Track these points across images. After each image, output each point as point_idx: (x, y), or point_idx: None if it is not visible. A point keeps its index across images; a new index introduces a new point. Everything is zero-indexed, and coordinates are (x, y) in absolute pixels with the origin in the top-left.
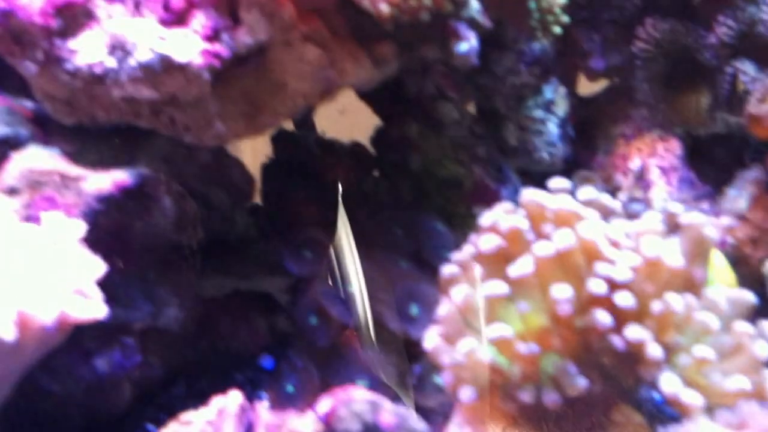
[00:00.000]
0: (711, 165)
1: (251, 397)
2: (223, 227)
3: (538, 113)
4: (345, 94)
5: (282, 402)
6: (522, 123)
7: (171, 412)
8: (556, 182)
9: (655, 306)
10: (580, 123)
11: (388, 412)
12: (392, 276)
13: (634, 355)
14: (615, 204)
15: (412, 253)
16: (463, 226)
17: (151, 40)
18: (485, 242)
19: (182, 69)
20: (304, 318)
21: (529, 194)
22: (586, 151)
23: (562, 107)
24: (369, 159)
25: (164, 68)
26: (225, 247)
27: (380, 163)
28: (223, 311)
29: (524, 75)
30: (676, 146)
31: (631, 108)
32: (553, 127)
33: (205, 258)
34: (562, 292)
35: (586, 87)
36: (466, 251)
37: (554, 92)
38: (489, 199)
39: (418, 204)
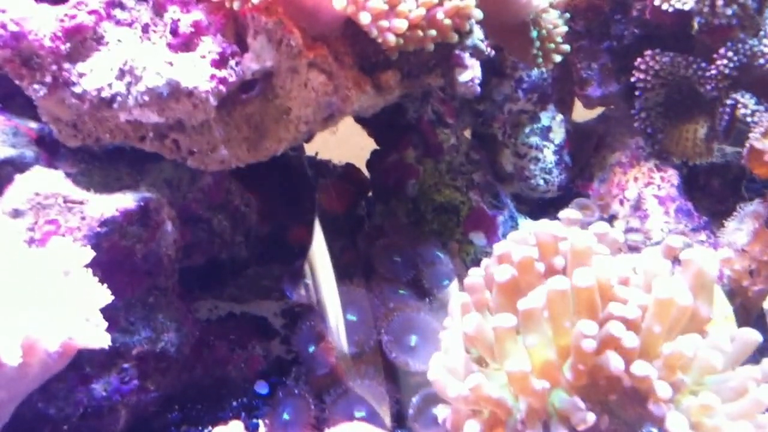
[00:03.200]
0: (707, 195)
1: (246, 423)
2: (222, 252)
3: (535, 140)
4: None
5: (278, 429)
6: (519, 149)
7: None
8: (567, 213)
9: (664, 346)
10: (576, 150)
11: None
12: (391, 305)
13: (639, 392)
14: (621, 238)
15: (411, 281)
16: (460, 251)
17: (160, 65)
18: (499, 273)
19: (189, 94)
20: (303, 345)
21: (544, 226)
22: (582, 179)
23: (558, 134)
24: (363, 181)
25: (172, 93)
26: (220, 270)
27: (376, 187)
28: (219, 335)
29: (522, 102)
30: (673, 176)
31: (628, 137)
32: (549, 154)
33: (200, 281)
34: (588, 327)
35: (583, 114)
36: (474, 279)
37: (551, 119)
38: (485, 225)
39: (414, 229)
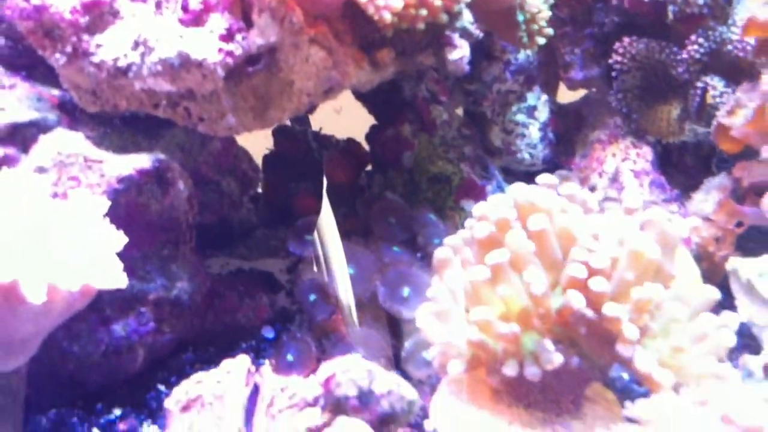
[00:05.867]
0: (680, 171)
1: (254, 363)
2: (231, 212)
3: (522, 118)
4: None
5: (282, 369)
6: (506, 126)
7: (180, 375)
8: (544, 178)
9: (634, 293)
10: (560, 128)
11: (382, 379)
12: (386, 261)
13: (608, 335)
14: (592, 199)
15: (405, 241)
16: (452, 218)
17: (171, 38)
18: (478, 229)
19: (199, 65)
20: (305, 295)
21: (518, 188)
22: (565, 154)
23: (543, 113)
24: (363, 155)
25: (182, 64)
26: (230, 230)
27: (375, 159)
28: (229, 287)
29: (510, 83)
30: (648, 152)
31: (607, 116)
32: (534, 131)
33: (213, 241)
34: (531, 274)
35: (567, 96)
36: (459, 237)
37: (537, 99)
38: (475, 195)
39: (410, 197)
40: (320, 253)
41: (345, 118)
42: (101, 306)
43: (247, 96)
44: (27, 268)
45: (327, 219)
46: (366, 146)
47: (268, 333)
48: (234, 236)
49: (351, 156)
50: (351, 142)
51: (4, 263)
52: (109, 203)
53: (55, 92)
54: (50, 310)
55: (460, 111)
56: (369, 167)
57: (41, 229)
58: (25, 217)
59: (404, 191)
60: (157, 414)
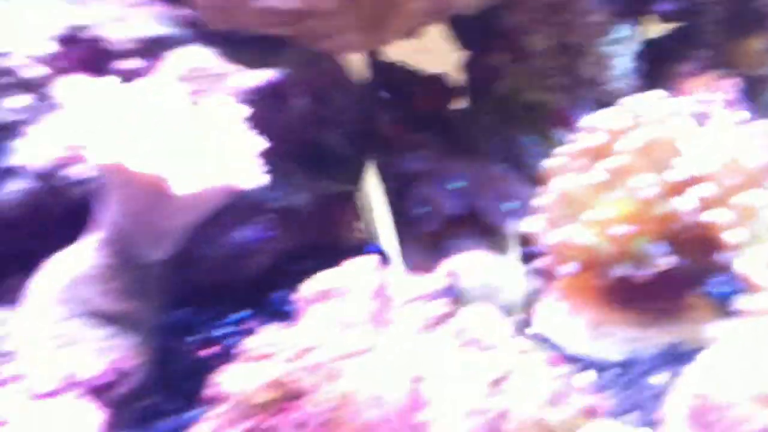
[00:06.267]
0: (763, 103)
1: None
2: (344, 128)
3: (611, 50)
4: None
5: None
6: (597, 58)
7: (299, 282)
8: (654, 93)
9: (736, 200)
10: (649, 60)
11: (501, 273)
12: (490, 178)
13: (709, 241)
14: (693, 114)
15: (507, 158)
16: (543, 146)
17: None
18: (590, 139)
19: None
20: (415, 207)
21: (630, 101)
22: (652, 86)
23: (633, 45)
24: (451, 88)
25: None
26: (337, 151)
27: (468, 89)
28: (337, 205)
29: (600, 15)
30: (734, 83)
31: (695, 49)
32: (624, 62)
33: (321, 158)
34: (645, 179)
35: (655, 29)
36: (568, 147)
37: (627, 31)
38: (567, 124)
39: (504, 126)
40: (367, 216)
41: (432, 55)
42: (229, 210)
43: (363, 16)
44: (173, 163)
45: (372, 186)
46: (463, 75)
47: (377, 247)
48: (339, 157)
49: (438, 86)
50: (440, 76)
51: (153, 158)
52: (249, 109)
53: (186, 11)
54: (193, 205)
55: (553, 42)
56: (462, 98)
57: (184, 131)
58: (168, 120)
59: (498, 119)
60: (278, 317)
